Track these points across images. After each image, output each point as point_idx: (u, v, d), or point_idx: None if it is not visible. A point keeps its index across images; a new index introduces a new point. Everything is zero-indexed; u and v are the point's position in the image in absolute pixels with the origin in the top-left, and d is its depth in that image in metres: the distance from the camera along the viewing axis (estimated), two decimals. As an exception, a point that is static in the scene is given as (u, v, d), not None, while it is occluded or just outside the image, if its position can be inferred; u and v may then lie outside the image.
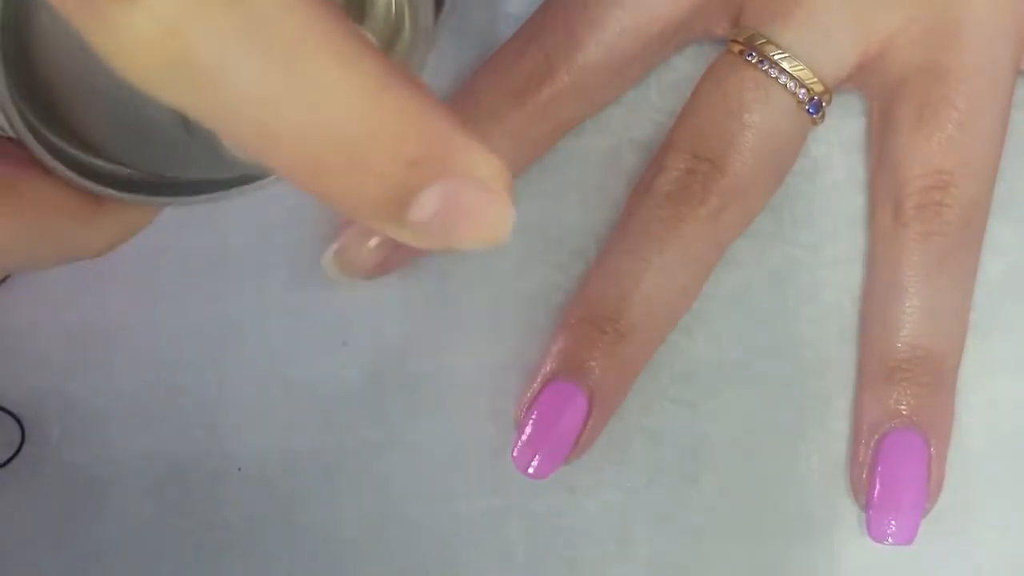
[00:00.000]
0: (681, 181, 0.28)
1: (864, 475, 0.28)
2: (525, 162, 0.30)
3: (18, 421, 0.30)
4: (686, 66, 0.30)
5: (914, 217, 0.28)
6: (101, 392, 0.30)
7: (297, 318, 0.30)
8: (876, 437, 0.28)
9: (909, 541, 0.27)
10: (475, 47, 0.31)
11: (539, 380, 0.28)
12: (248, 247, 0.30)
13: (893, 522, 0.27)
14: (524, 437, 0.28)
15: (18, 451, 0.29)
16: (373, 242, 0.28)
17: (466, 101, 0.29)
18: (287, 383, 0.30)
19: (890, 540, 0.27)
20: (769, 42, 0.28)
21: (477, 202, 0.17)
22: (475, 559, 0.29)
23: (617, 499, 0.29)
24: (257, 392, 0.30)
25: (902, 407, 0.28)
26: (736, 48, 0.28)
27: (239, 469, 0.30)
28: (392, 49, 0.20)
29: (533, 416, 0.28)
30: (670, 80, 0.31)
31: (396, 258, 0.29)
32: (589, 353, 0.28)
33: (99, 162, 0.20)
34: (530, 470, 0.27)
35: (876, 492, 0.28)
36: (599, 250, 0.29)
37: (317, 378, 0.30)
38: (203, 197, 0.21)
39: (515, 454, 0.28)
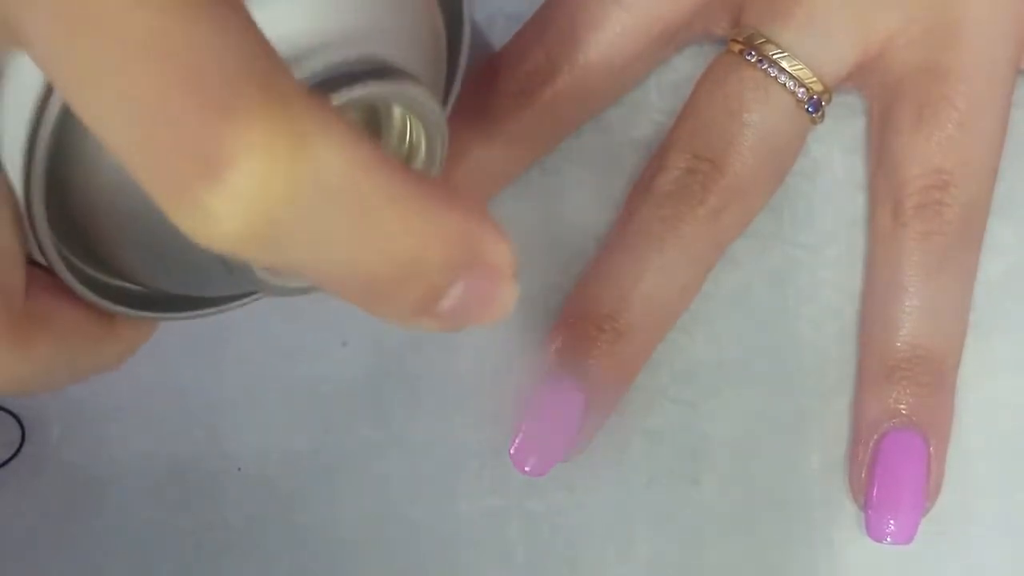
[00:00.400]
0: (681, 181, 0.28)
1: (863, 475, 0.28)
2: (526, 162, 0.30)
3: (18, 421, 0.30)
4: (686, 66, 0.30)
5: (914, 217, 0.28)
6: (101, 392, 0.30)
7: (297, 318, 0.30)
8: (875, 437, 0.28)
9: (908, 541, 0.27)
10: (475, 47, 0.31)
11: (537, 378, 0.28)
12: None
13: (892, 522, 0.27)
14: (522, 435, 0.28)
15: (18, 451, 0.29)
16: None
17: (468, 102, 0.29)
18: (287, 383, 0.30)
19: (889, 540, 0.27)
20: (769, 41, 0.28)
21: (492, 289, 0.18)
22: (475, 559, 0.29)
23: (617, 499, 0.29)
24: (257, 392, 0.30)
25: (902, 407, 0.28)
26: (736, 48, 0.28)
27: (239, 469, 0.30)
28: (413, 157, 0.21)
29: (531, 414, 0.28)
30: (670, 80, 0.31)
31: None
32: (588, 352, 0.28)
33: (117, 282, 0.20)
34: (527, 468, 0.27)
35: (875, 492, 0.28)
36: (599, 250, 0.29)
37: (317, 378, 0.30)
38: (212, 310, 0.21)
39: (513, 452, 0.28)
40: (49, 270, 0.19)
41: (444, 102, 0.24)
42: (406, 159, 0.22)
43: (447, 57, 0.23)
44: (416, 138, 0.22)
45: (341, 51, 0.19)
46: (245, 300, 0.22)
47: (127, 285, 0.20)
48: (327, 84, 0.18)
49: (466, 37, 0.23)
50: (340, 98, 0.18)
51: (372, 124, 0.22)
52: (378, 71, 0.19)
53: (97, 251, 0.19)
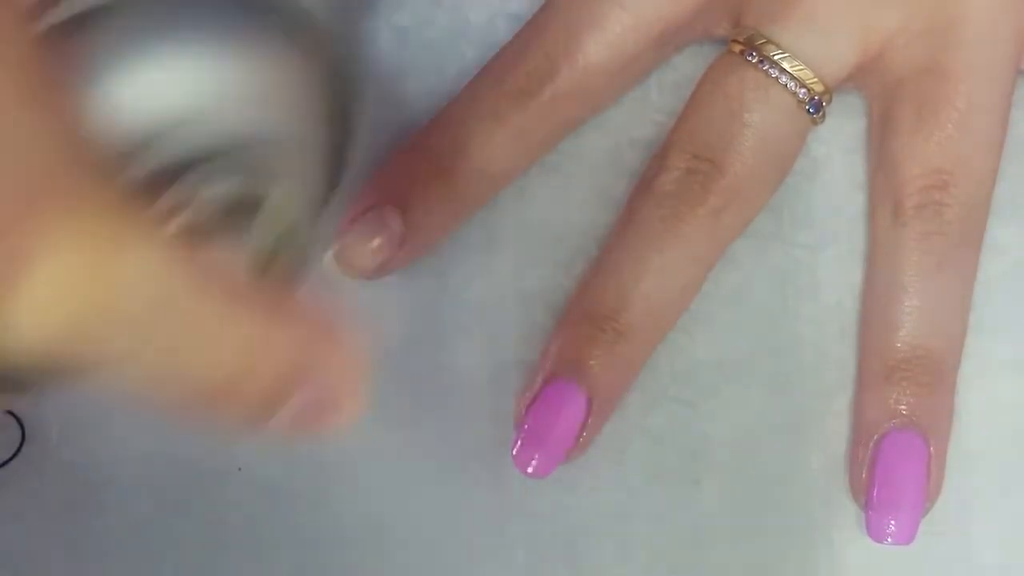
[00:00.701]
0: (681, 181, 0.28)
1: (864, 475, 0.28)
2: (526, 162, 0.30)
3: (18, 421, 0.30)
4: (686, 66, 0.30)
5: (914, 217, 0.28)
6: (101, 392, 0.30)
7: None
8: (876, 437, 0.28)
9: (909, 541, 0.27)
10: (475, 47, 0.31)
11: (538, 379, 0.28)
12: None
13: (893, 522, 0.27)
14: (523, 436, 0.28)
15: (18, 451, 0.29)
16: (375, 243, 0.28)
17: (467, 101, 0.29)
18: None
19: (890, 540, 0.27)
20: (769, 42, 0.28)
21: (336, 398, 0.18)
22: (475, 559, 0.29)
23: (617, 499, 0.29)
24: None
25: (902, 407, 0.28)
26: (736, 48, 0.28)
27: (239, 469, 0.30)
28: (288, 246, 0.20)
29: (532, 415, 0.28)
30: (670, 80, 0.31)
31: (397, 260, 0.29)
32: (589, 352, 0.28)
33: None
34: (529, 469, 0.27)
35: (875, 492, 0.28)
36: (599, 250, 0.29)
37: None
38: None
39: (515, 453, 0.28)
40: None
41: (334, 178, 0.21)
42: (283, 243, 0.20)
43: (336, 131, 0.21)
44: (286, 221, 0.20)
45: (195, 134, 0.17)
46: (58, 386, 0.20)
47: None
48: (175, 173, 0.17)
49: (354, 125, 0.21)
50: (186, 190, 0.17)
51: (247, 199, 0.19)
52: (225, 159, 0.18)
53: None
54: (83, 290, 0.14)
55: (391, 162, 0.29)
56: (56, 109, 0.14)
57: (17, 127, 0.14)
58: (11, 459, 0.29)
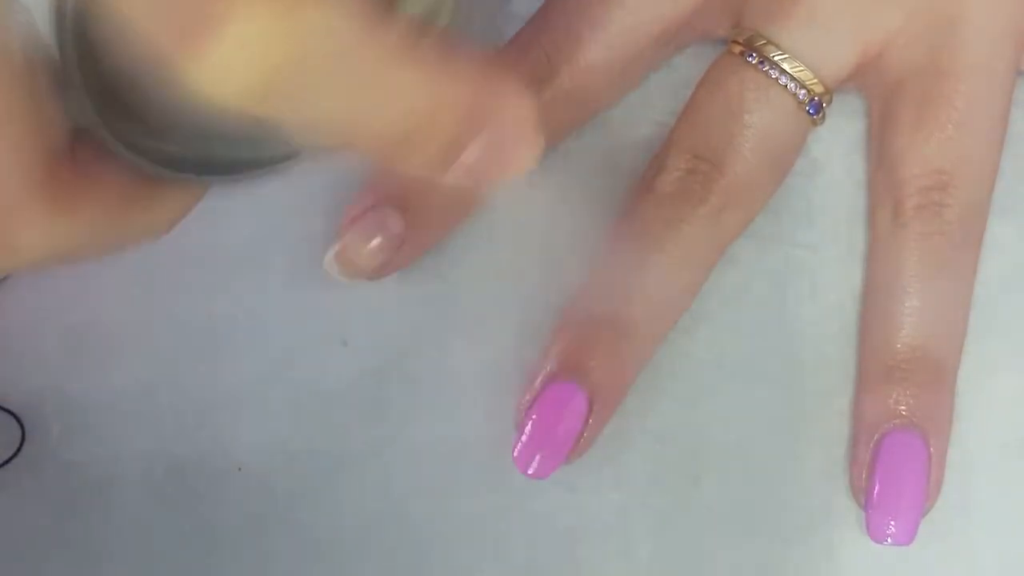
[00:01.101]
0: (682, 181, 0.28)
1: (863, 475, 0.28)
2: None
3: (18, 420, 0.30)
4: (686, 66, 0.30)
5: (913, 217, 0.28)
6: (101, 391, 0.30)
7: (297, 318, 0.30)
8: (875, 437, 0.28)
9: (909, 541, 0.27)
10: (476, 47, 0.31)
11: (539, 380, 0.28)
12: (248, 247, 0.30)
13: (893, 522, 0.27)
14: (524, 437, 0.28)
15: (18, 450, 0.29)
16: (375, 243, 0.28)
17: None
18: (287, 383, 0.30)
19: (890, 540, 0.27)
20: (769, 43, 0.28)
21: (512, 144, 0.19)
22: (475, 559, 0.29)
23: (617, 499, 0.29)
24: (257, 392, 0.30)
25: (901, 407, 0.28)
26: (736, 49, 0.28)
27: (239, 469, 0.30)
28: (437, 15, 0.22)
29: (533, 416, 0.28)
30: (671, 80, 0.31)
31: (398, 260, 0.29)
32: (589, 353, 0.28)
33: (151, 142, 0.20)
34: (531, 470, 0.27)
35: (875, 492, 0.28)
36: (599, 250, 0.29)
37: (317, 378, 0.30)
38: (256, 172, 0.21)
39: (516, 454, 0.28)
40: (93, 135, 0.19)
41: None
42: (433, 13, 0.22)
43: None
44: None
45: None
46: (288, 163, 0.21)
47: (168, 148, 0.20)
48: None
49: None
50: None
51: None
52: None
53: (134, 114, 0.19)
54: (270, 46, 0.15)
55: None
56: None
57: None
58: (12, 458, 0.29)
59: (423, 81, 0.18)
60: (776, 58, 0.28)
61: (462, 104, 0.18)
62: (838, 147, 0.30)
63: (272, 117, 0.17)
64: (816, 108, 0.28)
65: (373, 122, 0.18)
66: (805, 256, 0.30)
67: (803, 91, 0.28)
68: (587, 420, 0.28)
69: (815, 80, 0.28)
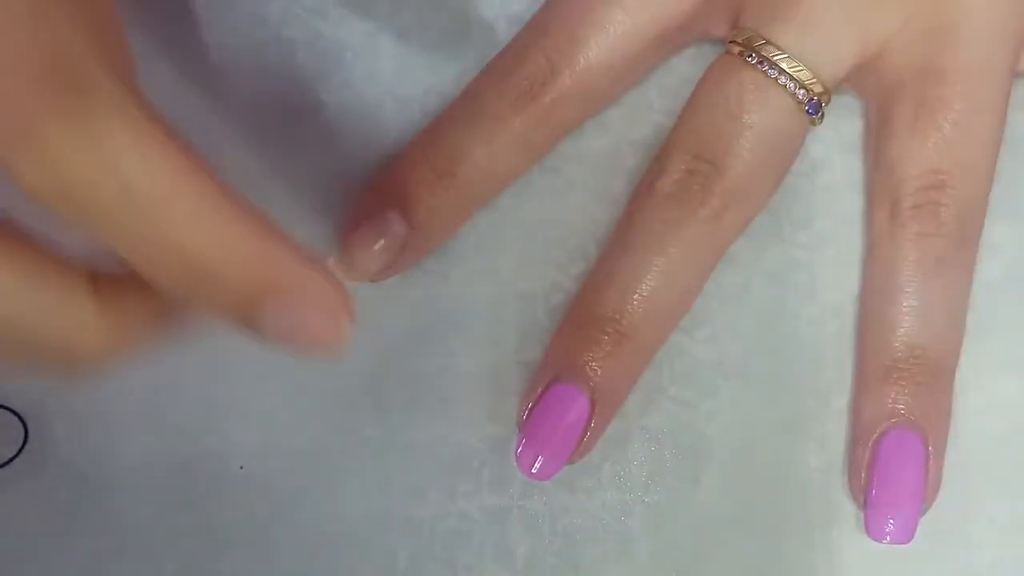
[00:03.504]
0: (682, 182, 0.28)
1: (862, 474, 0.28)
2: (527, 163, 0.30)
3: (21, 420, 0.30)
4: (686, 67, 0.31)
5: (911, 217, 0.28)
6: (103, 391, 0.30)
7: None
8: (874, 437, 0.28)
9: (907, 540, 0.28)
10: (475, 47, 0.31)
11: (540, 382, 0.28)
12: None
13: (891, 521, 0.27)
14: (526, 439, 0.28)
15: (21, 450, 0.30)
16: (378, 246, 0.28)
17: (469, 104, 0.29)
18: (287, 383, 0.30)
19: (888, 539, 0.28)
20: (768, 43, 0.28)
21: (311, 321, 0.20)
22: (475, 559, 0.29)
23: (617, 498, 0.29)
24: (258, 392, 0.30)
25: (899, 407, 0.28)
26: (735, 49, 0.28)
27: (240, 468, 0.30)
28: None
29: (535, 418, 0.28)
30: (670, 81, 0.31)
31: (400, 262, 0.29)
32: (590, 354, 0.28)
33: None
34: (533, 471, 0.27)
35: (874, 491, 0.28)
36: (599, 250, 0.29)
37: (317, 378, 0.30)
38: None
39: (518, 456, 0.28)
40: None
41: None
42: None
43: None
44: None
45: None
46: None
47: None
48: None
49: None
50: None
51: None
52: None
53: None
54: (71, 165, 0.18)
55: (393, 166, 0.29)
56: (75, 12, 0.18)
57: (48, 27, 0.18)
58: (14, 458, 0.29)
59: (209, 236, 0.19)
60: (775, 58, 0.28)
61: (253, 260, 0.20)
62: (837, 148, 0.30)
63: (71, 222, 0.19)
64: (815, 108, 0.28)
65: (167, 255, 0.19)
66: (804, 256, 0.30)
67: (802, 91, 0.28)
68: (589, 421, 0.28)
69: (814, 80, 0.28)
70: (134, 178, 0.18)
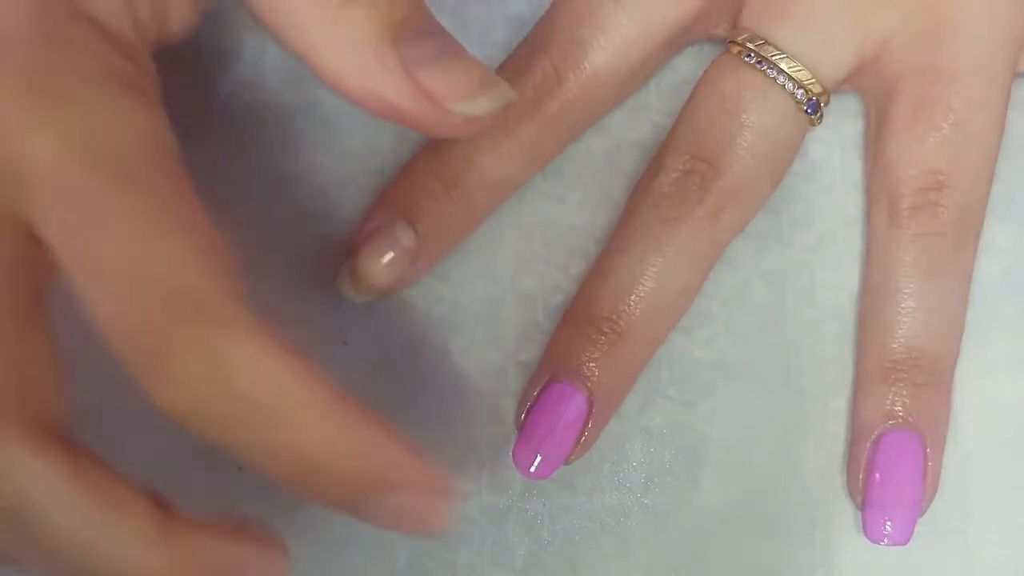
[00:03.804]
0: (680, 182, 0.28)
1: (860, 475, 0.28)
2: (533, 170, 0.30)
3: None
4: (685, 67, 0.31)
5: (909, 218, 0.28)
6: (102, 391, 0.30)
7: (297, 318, 0.30)
8: (872, 437, 0.28)
9: (905, 541, 0.28)
10: (474, 48, 0.30)
11: (538, 381, 0.28)
12: (249, 247, 0.30)
13: (889, 522, 0.27)
14: (524, 438, 0.28)
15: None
16: (387, 259, 0.28)
17: None
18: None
19: (886, 540, 0.28)
20: (767, 43, 0.28)
21: (416, 509, 0.22)
22: (475, 559, 0.29)
23: (617, 499, 0.29)
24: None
25: (898, 408, 0.28)
26: (735, 49, 0.28)
27: (240, 468, 0.30)
28: None
29: (533, 417, 0.28)
30: (669, 81, 0.31)
31: (409, 275, 0.29)
32: (589, 354, 0.28)
33: None
34: (531, 470, 0.27)
35: (872, 492, 0.28)
36: (599, 250, 0.29)
37: (317, 378, 0.30)
38: None
39: (515, 455, 0.28)
40: None
41: None
42: None
43: None
44: None
45: None
46: None
47: None
48: None
49: None
50: None
51: None
52: None
53: None
54: (202, 385, 0.20)
55: (400, 178, 0.29)
56: (201, 244, 0.21)
57: (175, 258, 0.21)
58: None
59: (323, 435, 0.21)
60: (774, 58, 0.28)
61: (360, 461, 0.21)
62: (836, 148, 0.30)
63: (200, 433, 0.21)
64: (814, 108, 0.28)
65: (275, 458, 0.21)
66: (804, 257, 0.30)
67: (801, 91, 0.28)
68: (587, 421, 0.28)
69: (813, 80, 0.28)
70: (257, 393, 0.20)
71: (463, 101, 0.23)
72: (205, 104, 0.30)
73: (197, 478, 0.30)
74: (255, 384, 0.20)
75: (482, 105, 0.23)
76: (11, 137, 0.21)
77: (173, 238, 0.21)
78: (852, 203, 0.30)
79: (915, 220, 0.28)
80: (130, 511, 0.21)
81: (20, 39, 0.21)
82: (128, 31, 0.23)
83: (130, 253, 0.20)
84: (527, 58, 0.29)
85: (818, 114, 0.28)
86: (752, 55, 0.28)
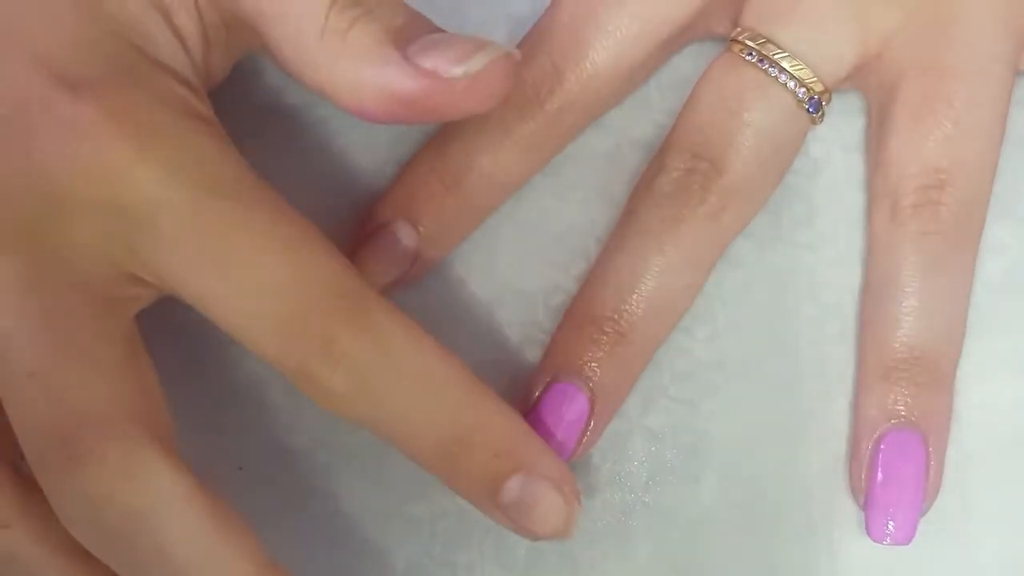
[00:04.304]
0: (681, 181, 0.28)
1: (863, 474, 0.28)
2: (534, 169, 0.30)
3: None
4: (686, 66, 0.31)
5: (911, 216, 0.28)
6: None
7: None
8: (874, 436, 0.28)
9: (908, 540, 0.27)
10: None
11: (540, 381, 0.28)
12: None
13: (892, 521, 0.27)
14: (527, 438, 0.28)
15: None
16: (388, 259, 0.28)
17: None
18: (288, 382, 0.30)
19: (889, 539, 0.27)
20: (769, 41, 0.28)
21: (548, 497, 0.24)
22: (475, 559, 0.29)
23: (617, 498, 0.29)
24: (257, 391, 0.30)
25: (900, 407, 0.28)
26: (736, 47, 0.28)
27: (240, 468, 0.30)
28: None
29: (535, 417, 0.28)
30: (670, 80, 0.31)
31: (411, 274, 0.29)
32: (590, 354, 0.28)
33: None
34: (533, 471, 0.28)
35: (875, 491, 0.28)
36: (600, 250, 0.29)
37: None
38: None
39: (517, 455, 0.28)
40: None
41: None
42: None
43: None
44: None
45: None
46: None
47: None
48: None
49: None
50: None
51: None
52: None
53: None
54: (369, 365, 0.23)
55: (401, 177, 0.29)
56: (330, 253, 0.24)
57: (319, 266, 0.24)
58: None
59: (467, 400, 0.23)
60: (776, 56, 0.28)
61: (499, 434, 0.24)
62: (838, 146, 0.30)
63: (357, 420, 0.23)
64: (815, 107, 0.28)
65: (422, 425, 0.23)
66: (805, 256, 0.30)
67: (802, 89, 0.28)
68: (589, 420, 0.28)
69: (814, 78, 0.28)
70: (415, 368, 0.23)
71: (459, 65, 0.23)
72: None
73: (198, 477, 0.29)
74: (411, 359, 0.23)
75: (477, 61, 0.24)
76: (117, 179, 0.22)
77: (305, 244, 0.23)
78: (853, 202, 0.30)
79: (917, 218, 0.28)
80: (245, 545, 0.23)
81: (108, 85, 0.22)
82: (190, 75, 0.24)
83: (272, 264, 0.22)
84: (528, 57, 0.29)
85: (820, 112, 0.28)
86: (753, 53, 0.28)
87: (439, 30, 0.24)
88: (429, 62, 0.23)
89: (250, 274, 0.22)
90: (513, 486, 0.24)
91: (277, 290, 0.22)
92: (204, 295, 0.22)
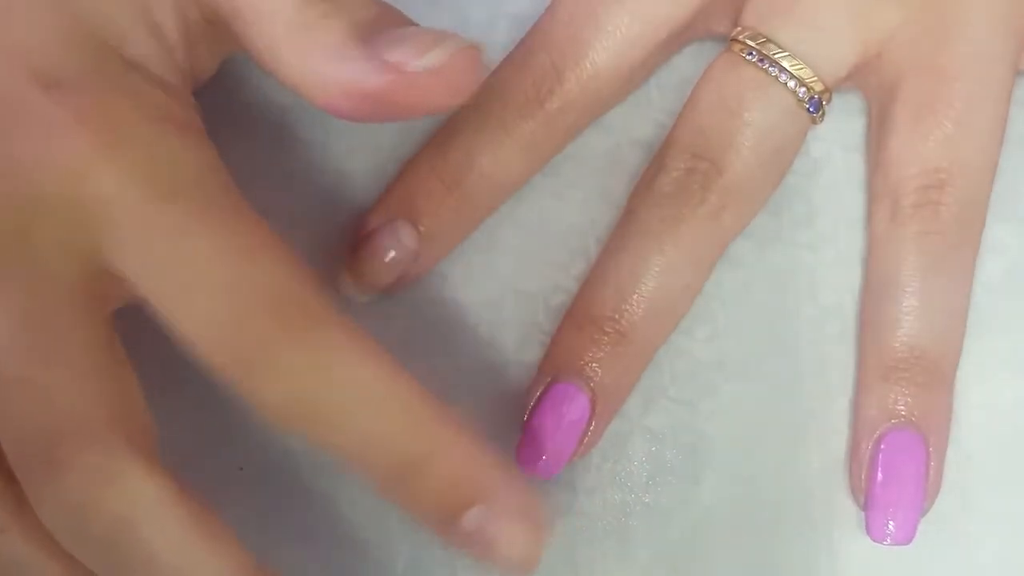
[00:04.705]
0: (681, 181, 0.28)
1: (863, 474, 0.28)
2: (534, 169, 0.30)
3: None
4: (686, 65, 0.31)
5: (911, 216, 0.28)
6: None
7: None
8: (874, 436, 0.28)
9: (908, 540, 0.27)
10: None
11: (541, 381, 0.28)
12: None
13: (892, 521, 0.27)
14: (527, 438, 0.28)
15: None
16: (389, 258, 0.28)
17: (474, 112, 0.29)
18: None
19: (889, 540, 0.28)
20: (769, 41, 0.28)
21: (509, 531, 0.22)
22: (476, 559, 0.29)
23: (617, 498, 0.29)
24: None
25: (900, 407, 0.28)
26: (736, 47, 0.28)
27: (240, 469, 0.30)
28: None
29: (536, 417, 0.28)
30: (670, 79, 0.31)
31: (411, 275, 0.29)
32: (591, 354, 0.28)
33: None
34: (534, 472, 0.27)
35: (875, 491, 0.28)
36: (600, 250, 0.29)
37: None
38: None
39: (519, 455, 0.28)
40: None
41: None
42: None
43: None
44: None
45: None
46: None
47: None
48: None
49: None
50: None
51: None
52: None
53: None
54: (302, 377, 0.21)
55: (402, 177, 0.29)
56: (284, 259, 0.23)
57: (265, 271, 0.23)
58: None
59: (422, 425, 0.22)
60: (776, 56, 0.28)
61: (459, 462, 0.22)
62: (838, 146, 0.30)
63: (298, 433, 0.22)
64: (816, 106, 0.28)
65: (367, 447, 0.22)
66: (805, 256, 0.30)
67: (803, 89, 0.28)
68: (590, 421, 0.28)
69: (815, 78, 0.28)
70: (356, 384, 0.22)
71: (419, 59, 0.23)
72: (204, 105, 0.30)
73: (197, 478, 0.29)
74: (355, 376, 0.22)
75: (436, 55, 0.23)
76: (80, 178, 0.22)
77: (258, 251, 0.22)
78: (854, 202, 0.30)
79: (917, 218, 0.28)
80: (230, 551, 0.22)
81: (81, 87, 0.22)
82: (172, 77, 0.24)
83: (221, 268, 0.22)
84: (528, 56, 0.29)
85: (820, 112, 0.28)
86: (754, 53, 0.28)
87: (411, 23, 0.24)
88: (394, 56, 0.23)
89: (195, 276, 0.22)
90: (472, 518, 0.22)
91: (220, 293, 0.22)
92: (155, 295, 0.22)
